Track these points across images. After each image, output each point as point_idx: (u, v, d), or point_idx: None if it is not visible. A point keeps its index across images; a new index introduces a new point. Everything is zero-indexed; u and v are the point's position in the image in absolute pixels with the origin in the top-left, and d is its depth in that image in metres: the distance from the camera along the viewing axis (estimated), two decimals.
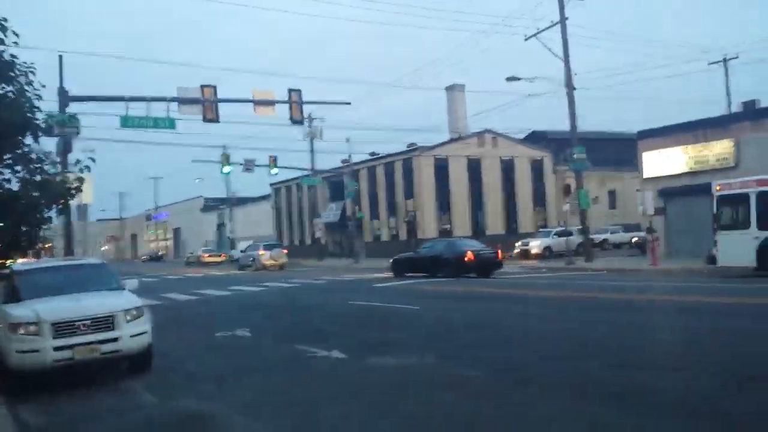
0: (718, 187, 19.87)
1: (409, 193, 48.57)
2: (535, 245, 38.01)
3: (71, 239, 24.55)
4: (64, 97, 24.56)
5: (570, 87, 30.16)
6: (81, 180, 5.78)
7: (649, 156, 31.72)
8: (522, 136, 53.97)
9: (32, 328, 8.82)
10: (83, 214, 24.39)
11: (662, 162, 30.83)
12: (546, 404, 6.79)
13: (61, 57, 25.03)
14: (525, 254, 38.09)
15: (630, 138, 39.55)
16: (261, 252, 42.69)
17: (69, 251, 24.36)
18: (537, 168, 51.92)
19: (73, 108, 24.85)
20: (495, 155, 49.48)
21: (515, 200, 50.89)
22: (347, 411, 7.06)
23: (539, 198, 51.69)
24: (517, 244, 39.97)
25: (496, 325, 12.49)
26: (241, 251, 48.56)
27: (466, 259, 24.29)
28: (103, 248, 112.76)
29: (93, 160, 6.34)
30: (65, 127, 23.23)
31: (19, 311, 9.11)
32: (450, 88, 53.13)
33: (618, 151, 50.66)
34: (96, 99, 26.88)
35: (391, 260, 28.61)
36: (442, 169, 48.24)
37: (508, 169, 50.62)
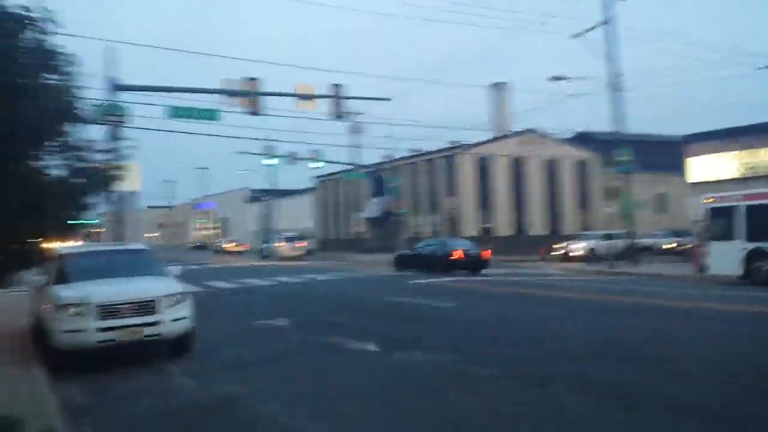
0: (710, 200, 20.80)
1: (451, 191, 48.44)
2: (577, 248, 37.47)
3: (120, 225, 25.35)
4: (113, 87, 25.26)
5: (615, 88, 29.62)
6: (122, 168, 5.99)
7: (696, 161, 30.97)
8: (568, 136, 53.30)
9: (79, 309, 9.22)
10: (131, 201, 25.07)
11: (710, 167, 30.07)
12: (565, 404, 6.84)
13: (109, 47, 25.78)
14: (566, 256, 37.58)
15: (678, 141, 38.73)
16: (282, 243, 46.57)
17: (118, 236, 25.17)
18: (582, 169, 51.18)
19: (121, 97, 25.58)
20: (539, 155, 48.92)
21: (559, 201, 50.29)
22: (372, 402, 7.26)
23: (583, 200, 50.95)
24: (558, 246, 39.49)
25: (524, 326, 12.50)
26: (264, 242, 52.43)
27: (455, 257, 26.14)
28: (152, 235, 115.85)
29: (134, 147, 6.55)
30: (112, 116, 23.95)
31: (67, 293, 9.53)
32: (493, 86, 52.79)
33: (667, 153, 49.58)
34: (144, 89, 27.52)
35: (394, 257, 30.80)
36: (484, 168, 47.98)
37: (552, 169, 50.04)
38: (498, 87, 52.37)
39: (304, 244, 48.37)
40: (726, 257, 19.56)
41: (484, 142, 48.95)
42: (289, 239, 47.89)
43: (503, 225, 48.06)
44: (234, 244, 66.21)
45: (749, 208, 19.29)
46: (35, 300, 11.34)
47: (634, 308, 14.62)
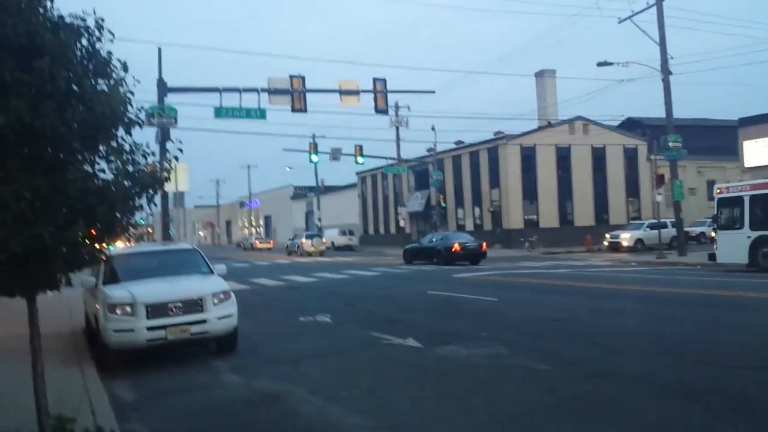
0: (718, 191, 21.77)
1: (495, 183, 47.97)
2: (626, 237, 36.68)
3: (168, 225, 25.95)
4: (163, 89, 25.85)
5: (666, 72, 28.82)
6: (169, 170, 6.12)
7: (751, 145, 29.91)
8: (616, 123, 52.19)
9: (128, 309, 9.49)
10: (180, 201, 25.66)
11: (766, 151, 28.99)
12: (614, 398, 6.72)
13: (160, 50, 26.34)
14: (615, 246, 36.85)
15: (731, 126, 37.46)
16: (303, 240, 50.23)
17: (166, 236, 25.80)
18: (631, 157, 50.00)
19: (170, 99, 26.17)
20: (586, 143, 47.97)
21: (606, 190, 49.25)
22: (416, 397, 7.24)
23: (632, 188, 49.77)
24: (606, 236, 38.76)
25: (569, 318, 12.32)
26: (289, 239, 56.57)
27: (453, 249, 29.09)
28: (201, 234, 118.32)
29: (181, 150, 6.69)
30: (163, 118, 24.52)
31: (117, 292, 9.81)
32: (539, 74, 52.07)
33: (718, 139, 48.12)
34: (192, 90, 28.14)
35: (403, 250, 34.14)
36: (529, 158, 47.30)
37: (599, 157, 49.02)
38: (544, 75, 51.58)
39: (325, 240, 51.93)
40: (733, 246, 20.39)
41: (529, 132, 48.28)
42: (310, 236, 51.78)
43: (549, 216, 47.34)
44: (259, 242, 72.16)
45: (753, 197, 20.09)
46: (88, 300, 11.74)
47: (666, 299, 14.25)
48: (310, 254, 47.14)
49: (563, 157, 48.04)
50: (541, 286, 18.51)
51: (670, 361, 8.33)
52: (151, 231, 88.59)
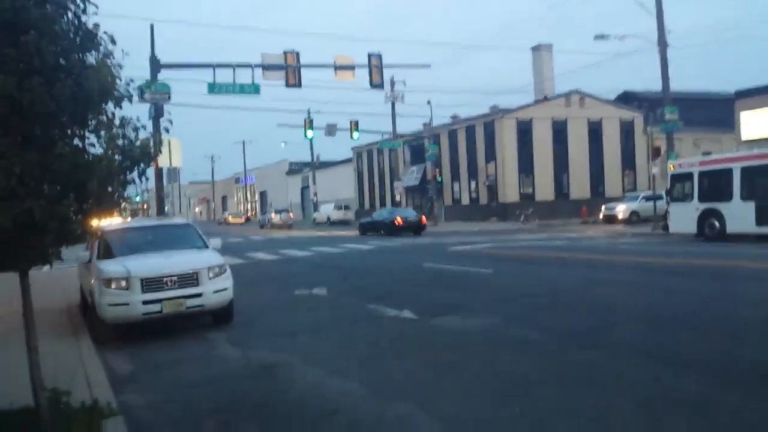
0: (671, 167, 23.86)
1: (491, 157, 47.90)
2: (621, 210, 36.74)
3: (162, 201, 25.92)
4: (155, 65, 25.64)
5: (663, 44, 28.60)
6: (160, 144, 6.10)
7: (748, 116, 29.86)
8: (612, 96, 51.94)
9: (123, 283, 9.52)
10: (174, 177, 25.58)
11: (764, 123, 28.95)
12: (606, 367, 6.81)
13: (152, 26, 26.13)
14: (610, 219, 36.94)
15: (728, 98, 37.38)
16: (273, 215, 58.59)
17: (160, 212, 25.78)
18: (627, 130, 49.90)
19: (163, 75, 25.96)
20: (582, 116, 47.87)
21: (602, 163, 49.25)
22: (411, 367, 7.34)
23: (628, 161, 49.77)
24: (602, 208, 38.83)
25: (564, 289, 12.41)
26: (261, 215, 66.03)
27: (396, 222, 33.92)
28: (197, 210, 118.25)
29: (171, 122, 6.68)
30: (156, 94, 24.37)
31: (112, 267, 9.83)
32: (536, 49, 51.69)
33: (715, 112, 47.97)
34: (185, 66, 27.95)
35: (358, 224, 39.58)
36: (525, 132, 47.19)
37: (595, 130, 48.94)
38: (540, 49, 51.20)
39: (291, 215, 60.63)
40: (684, 217, 22.43)
41: (525, 106, 48.11)
42: (278, 211, 59.96)
43: (545, 189, 47.39)
44: (232, 216, 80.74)
45: (701, 173, 22.04)
46: (83, 275, 11.78)
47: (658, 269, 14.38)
48: (280, 227, 54.24)
49: (559, 130, 47.93)
50: (536, 258, 18.61)
51: (663, 330, 8.42)
52: (146, 207, 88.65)
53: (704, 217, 21.74)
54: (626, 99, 52.24)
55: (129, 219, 13.58)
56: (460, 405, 5.86)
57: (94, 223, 5.90)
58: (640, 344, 7.71)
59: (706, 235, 21.70)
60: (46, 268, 6.32)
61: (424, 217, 35.63)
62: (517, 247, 22.51)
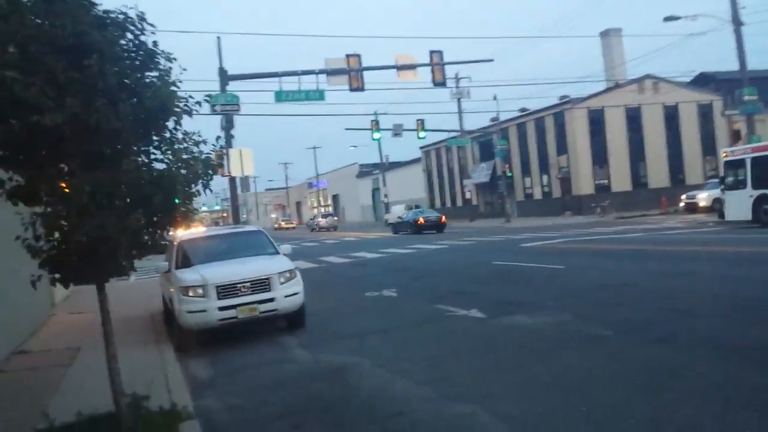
0: (724, 154, 23.99)
1: (562, 149, 46.78)
2: (703, 197, 35.09)
3: (237, 209, 26.72)
4: (224, 77, 26.46)
5: (737, 23, 27.23)
6: (222, 156, 6.32)
7: None
8: (687, 79, 49.76)
9: (200, 290, 9.89)
10: (245, 186, 26.33)
11: None
12: (680, 364, 6.56)
13: (219, 39, 26.95)
14: (692, 207, 35.38)
15: None
16: (320, 219, 67.64)
17: (236, 220, 26.60)
18: (705, 113, 47.65)
19: (232, 86, 26.75)
20: (657, 102, 46.04)
21: (681, 149, 47.21)
22: (478, 367, 7.29)
23: (708, 146, 47.49)
24: (682, 197, 37.27)
25: (638, 283, 12.02)
26: (310, 219, 75.43)
27: (419, 222, 39.38)
28: (272, 216, 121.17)
29: (235, 135, 6.90)
30: (226, 105, 25.17)
31: (189, 275, 10.24)
32: (605, 34, 50.15)
33: None
34: (253, 77, 28.65)
35: (392, 225, 45.05)
36: (597, 121, 45.83)
37: (671, 116, 46.99)
38: (610, 34, 49.64)
39: (336, 218, 69.27)
40: (739, 204, 22.39)
41: (596, 94, 46.70)
42: (324, 216, 69.18)
43: (621, 179, 45.86)
44: (284, 222, 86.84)
45: (754, 159, 21.87)
46: (163, 284, 12.32)
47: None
48: (327, 230, 61.96)
49: (633, 117, 46.30)
50: (610, 251, 18.08)
51: (741, 323, 8.03)
52: (226, 215, 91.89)
53: (758, 203, 21.69)
54: (703, 81, 49.88)
55: (207, 227, 14.16)
56: (525, 405, 5.78)
57: (170, 233, 6.17)
58: (716, 339, 7.37)
59: (762, 221, 21.58)
60: (132, 277, 6.65)
61: (443, 217, 41.03)
62: (591, 241, 21.94)
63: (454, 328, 9.64)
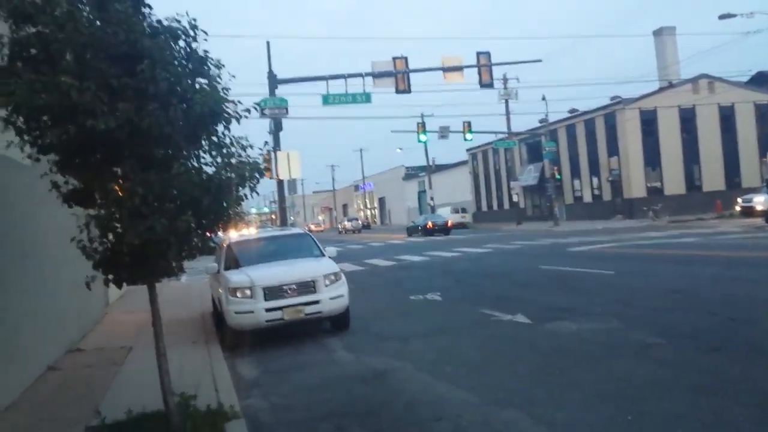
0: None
1: (613, 150, 45.81)
2: (759, 201, 33.73)
3: (284, 212, 27.07)
4: (273, 80, 26.85)
5: None
6: (270, 159, 6.42)
7: None
8: (744, 79, 48.12)
9: (248, 292, 10.07)
10: (292, 188, 26.63)
11: None
12: (734, 372, 6.35)
13: (268, 43, 27.37)
14: (748, 211, 34.12)
15: None
16: (345, 222, 74.32)
17: (283, 222, 26.94)
18: (763, 113, 46.02)
19: (281, 89, 27.13)
20: (712, 102, 44.65)
21: (737, 151, 45.67)
22: (523, 373, 7.20)
23: (766, 147, 45.72)
24: (738, 200, 36.02)
25: (690, 290, 11.66)
26: (339, 222, 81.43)
27: (428, 226, 44.77)
28: (320, 218, 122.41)
29: (284, 138, 7.01)
30: (275, 109, 25.53)
31: (237, 277, 10.43)
32: (658, 33, 48.93)
33: None
34: (300, 80, 28.95)
35: (406, 228, 50.91)
36: (649, 122, 44.74)
37: (727, 116, 45.52)
38: (663, 33, 48.39)
39: (360, 221, 76.43)
40: None
41: (648, 95, 45.61)
42: (350, 219, 76.51)
43: (674, 182, 44.65)
44: (314, 225, 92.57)
45: None
46: (213, 285, 12.58)
47: None
48: (353, 232, 68.31)
49: (687, 118, 45.03)
50: (662, 256, 17.62)
51: None
52: (274, 218, 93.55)
53: None
54: (761, 81, 48.15)
55: (255, 230, 14.42)
56: (569, 413, 5.69)
57: (219, 235, 6.29)
58: None
59: None
60: (184, 278, 6.82)
61: (450, 221, 47.18)
62: (642, 246, 21.40)
63: (498, 333, 9.55)
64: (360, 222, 75.82)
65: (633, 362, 7.11)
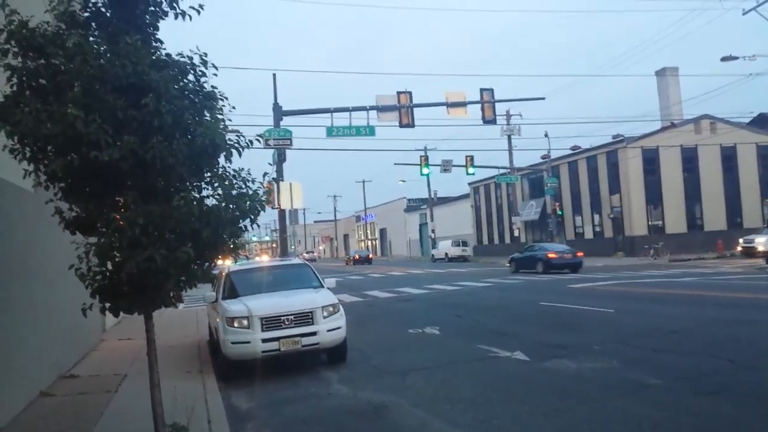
0: None
1: (615, 188, 45.95)
2: (761, 242, 33.73)
3: (285, 242, 27.08)
4: (278, 112, 27.09)
5: None
6: (269, 193, 6.47)
7: None
8: (746, 120, 48.48)
9: (245, 322, 10.02)
10: (294, 218, 26.70)
11: None
12: (732, 416, 6.29)
13: (274, 75, 27.73)
14: (750, 252, 34.07)
15: None
16: (303, 254, 79.06)
17: (284, 252, 26.94)
18: (765, 155, 46.28)
19: (285, 121, 27.35)
20: (714, 142, 44.93)
21: (739, 192, 45.80)
22: (520, 412, 7.13)
23: None
24: (740, 241, 35.98)
25: (689, 330, 11.64)
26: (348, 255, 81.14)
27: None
28: (321, 248, 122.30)
29: (285, 170, 7.08)
30: (279, 140, 25.73)
31: (235, 307, 10.40)
32: (660, 73, 49.46)
33: None
34: (305, 112, 29.24)
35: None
36: (651, 160, 44.96)
37: (729, 157, 45.76)
38: (666, 73, 48.91)
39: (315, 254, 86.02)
40: None
41: (651, 134, 45.92)
42: (309, 251, 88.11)
43: (676, 221, 44.69)
44: (305, 253, 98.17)
45: None
46: (210, 314, 12.53)
47: None
48: (354, 263, 64.61)
49: (689, 158, 45.27)
50: (662, 296, 17.55)
51: None
52: (275, 246, 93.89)
53: None
54: (762, 122, 48.47)
55: (255, 259, 14.40)
56: None
57: (218, 265, 6.29)
58: None
59: None
60: (181, 306, 6.80)
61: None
62: (643, 284, 21.34)
63: (496, 369, 9.49)
64: (367, 252, 75.03)
65: (630, 403, 7.04)
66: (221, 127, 5.42)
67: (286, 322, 10.09)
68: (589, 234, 49.43)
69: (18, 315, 7.99)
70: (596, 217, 48.58)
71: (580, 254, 31.82)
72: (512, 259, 35.11)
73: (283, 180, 25.12)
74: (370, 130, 27.98)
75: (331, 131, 27.85)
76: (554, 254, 31.21)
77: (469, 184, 67.63)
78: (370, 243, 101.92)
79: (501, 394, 7.99)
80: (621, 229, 45.39)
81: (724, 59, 28.13)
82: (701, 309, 14.44)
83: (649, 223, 44.76)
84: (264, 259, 13.47)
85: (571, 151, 51.72)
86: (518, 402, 7.57)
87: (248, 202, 5.71)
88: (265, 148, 25.44)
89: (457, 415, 7.15)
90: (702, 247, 40.79)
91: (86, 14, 5.43)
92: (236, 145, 5.65)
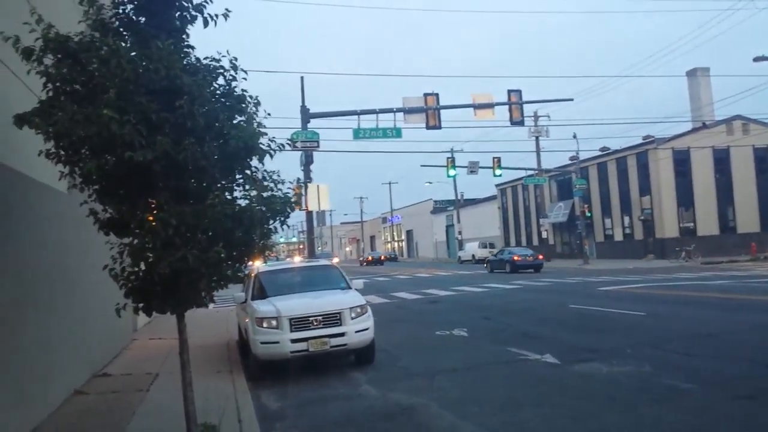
0: None
1: (645, 189, 45.28)
2: None
3: (313, 243, 27.22)
4: (306, 114, 27.26)
5: None
6: (301, 193, 6.52)
7: None
8: None
9: (274, 322, 10.09)
10: (321, 220, 26.83)
11: None
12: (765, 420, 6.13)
13: (302, 78, 27.94)
14: None
15: None
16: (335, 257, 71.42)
17: (312, 253, 27.07)
18: None
19: (312, 123, 27.51)
20: (747, 143, 44.07)
21: None
22: (549, 415, 7.07)
23: None
24: None
25: (724, 334, 11.41)
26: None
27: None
28: (347, 249, 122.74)
29: (315, 171, 7.12)
30: (307, 142, 25.87)
31: (264, 307, 10.48)
32: (691, 73, 48.67)
33: None
34: (333, 114, 29.37)
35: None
36: (682, 162, 44.22)
37: (762, 158, 44.83)
38: (697, 74, 48.11)
39: (384, 257, 76.94)
40: None
41: (682, 135, 45.17)
42: (325, 255, 77.58)
43: (707, 223, 43.86)
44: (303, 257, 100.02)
45: None
46: (239, 315, 12.65)
47: None
48: (367, 264, 69.15)
49: (721, 159, 44.44)
50: (695, 299, 17.24)
51: None
52: (302, 247, 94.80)
53: None
54: None
55: (285, 260, 14.51)
56: None
57: (249, 266, 6.35)
58: None
59: None
60: (211, 305, 6.87)
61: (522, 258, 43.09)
62: (674, 287, 20.99)
63: (525, 372, 9.41)
64: (380, 254, 79.54)
65: (663, 408, 6.93)
66: (255, 130, 5.47)
67: (315, 323, 10.13)
68: (618, 236, 48.76)
69: (61, 315, 8.15)
70: (626, 219, 47.90)
71: (540, 257, 37.75)
72: (488, 261, 41.29)
73: (310, 181, 25.27)
74: (396, 132, 27.98)
75: (358, 133, 27.91)
76: (518, 257, 36.91)
77: (496, 185, 67.22)
78: (396, 245, 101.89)
79: (530, 397, 7.91)
80: (651, 232, 44.71)
81: (756, 59, 27.69)
82: (734, 312, 14.16)
83: (680, 225, 44.01)
84: (296, 260, 13.53)
85: (600, 153, 51.09)
86: (548, 405, 7.49)
87: (280, 203, 5.75)
88: (292, 150, 25.61)
89: (486, 417, 7.10)
90: (735, 250, 40.00)
91: (116, 23, 5.53)
92: (268, 148, 5.69)
